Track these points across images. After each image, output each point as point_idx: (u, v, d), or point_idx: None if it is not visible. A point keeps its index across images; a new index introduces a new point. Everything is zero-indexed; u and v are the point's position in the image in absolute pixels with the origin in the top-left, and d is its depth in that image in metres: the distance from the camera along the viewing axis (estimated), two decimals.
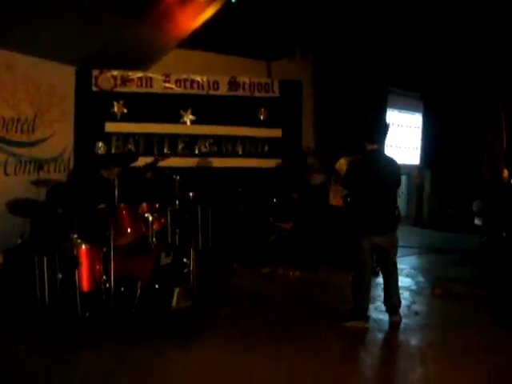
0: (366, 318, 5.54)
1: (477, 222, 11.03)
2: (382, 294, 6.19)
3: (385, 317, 5.73)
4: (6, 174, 7.61)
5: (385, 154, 5.67)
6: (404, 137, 14.62)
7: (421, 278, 7.52)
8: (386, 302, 5.67)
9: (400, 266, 8.18)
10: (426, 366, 4.64)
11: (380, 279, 7.52)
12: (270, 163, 9.46)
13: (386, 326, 5.55)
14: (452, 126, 12.55)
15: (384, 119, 5.74)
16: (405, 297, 6.31)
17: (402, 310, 5.85)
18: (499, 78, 11.76)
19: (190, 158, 9.12)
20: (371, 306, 5.81)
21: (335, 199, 8.26)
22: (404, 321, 5.64)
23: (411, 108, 14.61)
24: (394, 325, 5.50)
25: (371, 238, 5.40)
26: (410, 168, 14.32)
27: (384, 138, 5.55)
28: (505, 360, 4.70)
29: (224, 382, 4.18)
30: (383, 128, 5.56)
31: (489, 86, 11.92)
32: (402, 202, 14.79)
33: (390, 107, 13.44)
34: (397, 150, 14.25)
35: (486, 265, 8.58)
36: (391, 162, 5.64)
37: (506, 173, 10.93)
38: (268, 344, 4.94)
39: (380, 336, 5.33)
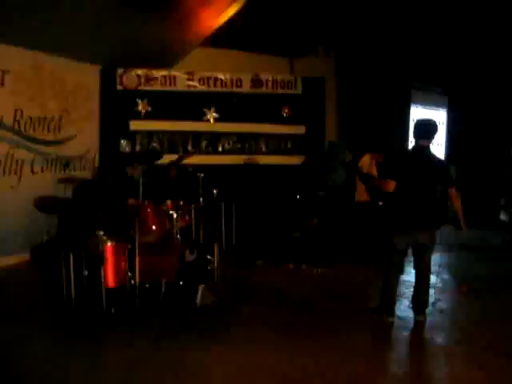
0: (392, 313, 5.54)
1: (503, 217, 10.91)
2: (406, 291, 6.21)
3: (409, 314, 5.71)
4: (32, 172, 7.75)
5: (432, 151, 5.63)
6: None
7: (446, 276, 7.45)
8: (414, 301, 5.63)
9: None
10: (451, 364, 4.61)
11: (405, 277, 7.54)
12: (293, 160, 9.46)
13: (411, 323, 5.52)
14: (476, 121, 12.40)
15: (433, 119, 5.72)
16: (430, 294, 6.26)
17: (428, 308, 5.81)
18: None
19: (213, 156, 9.16)
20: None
21: (361, 195, 8.22)
22: (429, 319, 5.60)
23: (435, 104, 14.46)
24: (419, 323, 5.47)
25: (412, 233, 5.36)
26: None
27: (434, 136, 5.53)
28: None
29: (249, 379, 4.20)
30: (435, 126, 5.52)
31: None
32: None
33: (414, 103, 13.33)
34: None
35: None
36: (439, 159, 5.63)
37: None
38: (293, 340, 4.94)
39: (406, 334, 5.29)
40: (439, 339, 5.23)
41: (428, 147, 5.45)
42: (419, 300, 5.59)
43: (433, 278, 6.87)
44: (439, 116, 14.65)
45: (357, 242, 8.22)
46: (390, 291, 5.53)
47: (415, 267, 5.61)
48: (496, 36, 10.99)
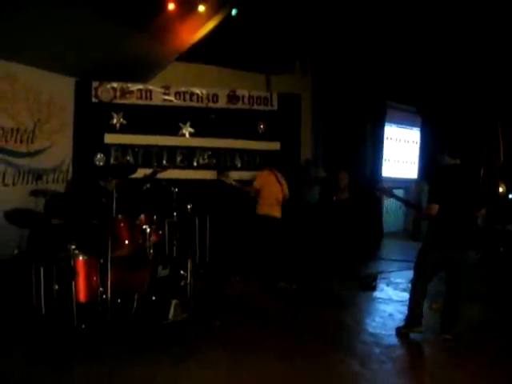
0: (421, 324, 5.62)
1: None
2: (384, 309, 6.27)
3: (382, 331, 5.75)
4: (4, 183, 7.62)
5: (469, 170, 5.71)
6: (402, 151, 14.70)
7: None
8: (443, 318, 5.67)
9: (397, 280, 8.27)
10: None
11: (378, 293, 7.60)
12: None
13: (384, 340, 5.54)
14: (449, 140, 12.58)
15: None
16: (402, 311, 6.31)
17: (398, 324, 5.86)
18: (497, 93, 11.83)
19: (188, 171, 9.14)
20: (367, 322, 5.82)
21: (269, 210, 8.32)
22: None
23: (409, 123, 14.70)
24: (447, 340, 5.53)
25: (447, 253, 5.45)
26: (407, 182, 14.37)
27: (465, 154, 5.62)
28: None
29: None
30: (463, 144, 5.63)
31: (486, 101, 11.99)
32: (400, 215, 14.85)
33: (389, 122, 13.51)
34: (395, 164, 14.33)
35: (484, 280, 8.58)
36: (475, 179, 5.71)
37: (502, 188, 10.99)
38: (265, 356, 4.92)
39: (378, 351, 5.30)
40: (413, 356, 5.27)
41: (463, 166, 5.55)
42: (449, 318, 5.64)
43: (404, 295, 6.95)
44: (413, 135, 14.88)
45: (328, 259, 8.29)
46: (419, 304, 5.62)
47: (447, 286, 5.66)
48: (470, 56, 11.22)
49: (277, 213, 8.32)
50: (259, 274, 8.04)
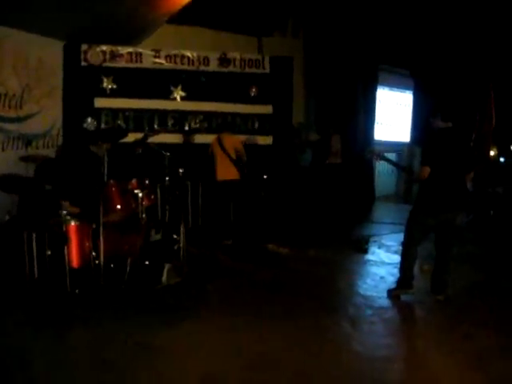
0: (411, 286, 5.68)
1: None
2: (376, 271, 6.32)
3: (373, 293, 5.81)
4: None
5: (462, 134, 5.69)
6: (394, 114, 14.65)
7: None
8: (434, 280, 5.71)
9: (389, 242, 8.32)
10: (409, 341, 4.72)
11: (370, 256, 7.66)
12: (260, 140, 9.45)
13: (377, 302, 5.60)
14: (442, 103, 12.55)
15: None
16: (393, 273, 6.37)
17: (390, 286, 5.92)
18: (489, 56, 11.75)
19: (180, 135, 9.08)
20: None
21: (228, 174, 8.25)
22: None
23: (402, 86, 14.62)
24: (439, 301, 5.58)
25: (438, 216, 5.47)
26: (400, 145, 14.37)
27: (457, 118, 5.60)
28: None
29: (212, 357, 4.21)
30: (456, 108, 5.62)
31: (479, 64, 11.91)
32: (392, 179, 14.89)
33: (381, 85, 13.42)
34: (387, 127, 14.29)
35: (474, 243, 8.66)
36: (467, 142, 5.69)
37: (493, 151, 11.01)
38: (257, 320, 4.96)
39: (369, 312, 5.36)
40: (400, 318, 5.33)
41: (456, 129, 5.55)
42: (439, 280, 5.67)
43: (396, 258, 7.00)
44: (406, 98, 14.82)
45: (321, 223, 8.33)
46: (410, 267, 5.68)
47: (437, 247, 5.69)
48: (462, 19, 11.11)
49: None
50: (250, 237, 8.07)
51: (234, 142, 8.24)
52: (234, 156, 8.09)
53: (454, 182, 5.46)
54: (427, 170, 5.36)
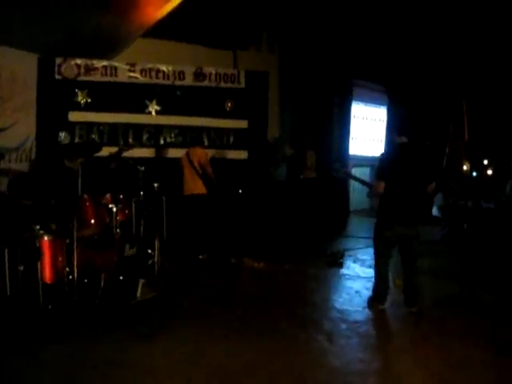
0: (383, 300, 5.75)
1: (436, 213, 11.28)
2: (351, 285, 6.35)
3: (348, 307, 5.83)
4: None
5: (417, 148, 5.75)
6: (369, 129, 14.80)
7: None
8: (406, 293, 5.76)
9: (363, 256, 8.37)
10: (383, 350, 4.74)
11: (345, 270, 7.69)
12: (235, 154, 9.46)
13: (351, 316, 5.62)
14: (415, 119, 12.73)
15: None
16: (368, 287, 6.40)
17: (365, 300, 5.95)
18: (462, 72, 11.97)
19: (154, 149, 9.06)
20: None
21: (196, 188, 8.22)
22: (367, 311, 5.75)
23: (376, 101, 14.77)
24: (413, 314, 5.63)
25: (395, 228, 5.51)
26: (374, 160, 14.49)
27: (413, 133, 5.68)
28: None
29: (187, 372, 4.18)
30: (411, 123, 5.70)
31: (452, 80, 12.13)
32: (366, 193, 14.98)
33: (356, 100, 13.56)
34: (362, 142, 14.43)
35: (448, 256, 8.75)
36: (423, 156, 5.73)
37: (466, 166, 11.18)
38: (232, 334, 4.95)
39: (344, 326, 5.38)
40: (375, 331, 5.36)
41: (410, 143, 5.62)
42: (411, 292, 5.72)
43: (370, 271, 7.05)
44: (380, 113, 14.98)
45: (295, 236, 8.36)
46: (381, 281, 5.74)
47: (402, 260, 5.74)
48: (436, 36, 11.31)
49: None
50: (225, 251, 8.06)
51: (200, 155, 8.19)
52: (200, 170, 8.08)
53: (411, 195, 5.52)
54: (381, 184, 5.46)
